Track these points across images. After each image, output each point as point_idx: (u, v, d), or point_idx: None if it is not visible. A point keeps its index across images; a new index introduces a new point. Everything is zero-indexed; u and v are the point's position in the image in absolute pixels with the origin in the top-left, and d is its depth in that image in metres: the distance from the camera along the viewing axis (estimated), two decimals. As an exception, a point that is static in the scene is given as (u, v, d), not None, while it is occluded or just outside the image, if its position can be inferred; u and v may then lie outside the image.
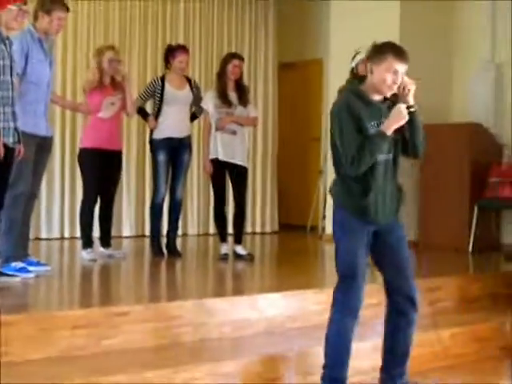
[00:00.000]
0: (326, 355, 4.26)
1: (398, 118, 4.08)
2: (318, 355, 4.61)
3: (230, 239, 7.52)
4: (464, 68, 9.22)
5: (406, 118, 4.09)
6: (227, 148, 7.27)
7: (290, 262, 7.64)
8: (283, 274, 6.76)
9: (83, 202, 7.24)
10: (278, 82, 10.97)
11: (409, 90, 4.14)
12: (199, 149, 9.07)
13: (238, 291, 5.95)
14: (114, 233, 7.71)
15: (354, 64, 7.15)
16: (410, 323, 4.33)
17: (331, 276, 6.82)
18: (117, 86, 7.20)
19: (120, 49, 8.34)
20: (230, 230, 7.61)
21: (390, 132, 4.07)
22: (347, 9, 9.28)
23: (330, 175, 9.45)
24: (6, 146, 5.18)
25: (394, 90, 4.13)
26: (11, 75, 5.27)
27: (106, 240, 7.38)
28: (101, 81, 7.12)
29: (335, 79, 7.82)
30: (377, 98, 4.16)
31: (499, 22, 8.99)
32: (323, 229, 9.82)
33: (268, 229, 10.72)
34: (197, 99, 7.56)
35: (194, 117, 7.76)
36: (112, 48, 7.38)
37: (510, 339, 5.80)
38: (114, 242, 7.54)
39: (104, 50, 7.25)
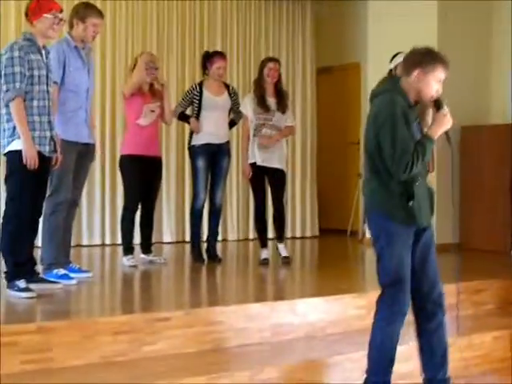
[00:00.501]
0: (370, 360, 4.23)
1: (444, 123, 4.10)
2: (358, 360, 4.61)
3: (271, 244, 7.52)
4: (503, 68, 9.12)
5: (451, 122, 4.10)
6: (265, 153, 7.27)
7: (330, 267, 7.61)
8: (324, 279, 6.74)
9: (124, 209, 7.28)
10: (316, 87, 10.95)
11: None
12: (238, 154, 9.08)
13: (279, 296, 5.94)
14: (154, 239, 7.73)
15: (392, 65, 7.12)
16: (440, 325, 4.30)
17: (372, 280, 6.80)
18: (155, 93, 7.22)
19: (158, 56, 8.42)
20: (270, 234, 7.60)
21: (436, 137, 4.09)
22: (384, 12, 9.25)
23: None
24: (42, 154, 5.23)
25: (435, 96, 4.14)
26: (47, 84, 5.32)
27: (146, 246, 7.42)
28: (140, 87, 7.15)
29: (373, 83, 7.69)
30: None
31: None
32: (363, 233, 9.77)
33: (308, 233, 10.68)
34: (235, 105, 7.57)
35: (232, 123, 7.76)
36: (149, 53, 7.44)
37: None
38: (154, 248, 7.59)
39: (141, 53, 7.32)
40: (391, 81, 4.31)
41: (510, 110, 8.94)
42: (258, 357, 4.72)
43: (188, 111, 7.62)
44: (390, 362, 4.20)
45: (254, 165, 7.28)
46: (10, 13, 8.48)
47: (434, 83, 4.11)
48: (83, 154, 6.02)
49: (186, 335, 4.72)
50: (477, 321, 5.88)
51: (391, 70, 7.17)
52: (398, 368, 4.61)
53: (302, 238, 10.53)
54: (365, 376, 4.25)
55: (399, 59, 7.10)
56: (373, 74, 8.93)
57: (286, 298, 5.69)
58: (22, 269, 5.27)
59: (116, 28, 9.30)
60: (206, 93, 7.42)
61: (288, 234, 10.16)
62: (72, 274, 5.97)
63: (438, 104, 4.15)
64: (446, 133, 4.17)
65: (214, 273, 7.19)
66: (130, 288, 6.38)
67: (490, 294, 6.26)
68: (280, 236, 7.51)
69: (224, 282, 6.87)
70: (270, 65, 7.38)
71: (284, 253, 7.43)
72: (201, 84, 7.52)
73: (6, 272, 5.27)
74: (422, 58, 4.13)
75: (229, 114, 7.60)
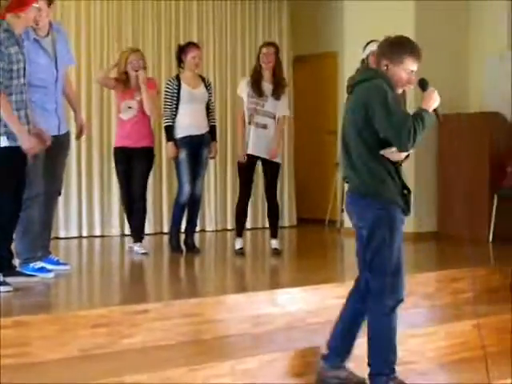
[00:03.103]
0: (376, 351, 4.25)
1: (433, 98, 4.13)
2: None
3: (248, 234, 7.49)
4: (481, 57, 9.12)
5: (439, 98, 4.14)
6: (258, 142, 7.23)
7: (309, 257, 7.61)
8: (302, 269, 6.73)
9: (122, 200, 7.70)
10: (293, 76, 10.93)
11: None
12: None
13: (258, 287, 5.92)
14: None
15: (364, 55, 7.11)
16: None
17: (351, 270, 6.80)
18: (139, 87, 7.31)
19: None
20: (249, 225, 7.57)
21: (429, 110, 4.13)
22: (361, 7, 9.22)
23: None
24: (20, 149, 5.17)
25: (407, 87, 4.23)
26: (24, 77, 5.23)
27: (132, 235, 7.53)
28: (124, 83, 7.31)
29: (350, 72, 7.71)
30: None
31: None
32: (342, 222, 9.78)
33: (286, 223, 10.66)
34: (210, 97, 7.56)
35: (212, 131, 7.61)
36: (134, 50, 7.56)
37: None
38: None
39: (127, 53, 7.42)
40: (371, 70, 4.37)
41: (488, 97, 8.96)
42: (239, 348, 4.70)
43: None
44: (395, 349, 4.24)
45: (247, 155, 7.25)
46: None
47: (403, 74, 4.15)
48: (55, 144, 5.84)
49: (165, 327, 4.70)
50: (455, 309, 5.90)
51: (363, 59, 7.16)
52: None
53: (280, 227, 10.48)
54: (369, 369, 4.29)
55: (371, 47, 7.11)
56: (350, 63, 8.89)
57: (265, 288, 5.67)
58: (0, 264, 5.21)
59: (91, 25, 9.24)
60: (184, 85, 7.37)
61: (265, 223, 10.16)
62: (50, 266, 5.92)
63: (422, 85, 4.21)
64: (435, 110, 4.18)
65: (193, 264, 7.16)
66: (108, 280, 6.32)
67: (468, 282, 6.27)
68: (274, 230, 7.48)
69: (202, 273, 6.86)
70: (264, 50, 7.34)
71: (276, 245, 7.44)
72: (178, 77, 7.47)
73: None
74: (390, 50, 4.18)
75: (206, 106, 7.52)
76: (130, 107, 7.28)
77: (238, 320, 4.99)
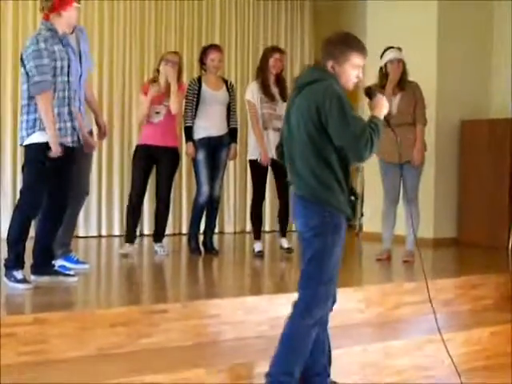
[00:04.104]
0: (288, 358, 4.07)
1: (382, 106, 3.99)
2: (356, 354, 4.60)
3: (267, 237, 7.50)
4: (504, 62, 9.08)
5: (387, 106, 4.02)
6: (273, 145, 7.22)
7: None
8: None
9: (128, 199, 7.47)
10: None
11: None
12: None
13: (276, 289, 5.93)
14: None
15: (382, 63, 7.05)
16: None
17: (370, 273, 6.81)
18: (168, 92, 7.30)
19: (156, 52, 8.77)
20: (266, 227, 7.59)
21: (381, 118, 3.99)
22: (384, 8, 9.21)
23: (366, 172, 9.39)
24: (64, 145, 5.20)
25: (355, 83, 4.07)
26: (68, 75, 5.27)
27: (154, 235, 7.55)
28: (153, 84, 7.33)
29: (371, 80, 7.73)
30: None
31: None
32: (360, 226, 9.75)
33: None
34: (232, 100, 7.56)
35: (233, 132, 7.64)
36: (169, 53, 7.56)
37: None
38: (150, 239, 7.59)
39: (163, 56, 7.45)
40: (319, 69, 4.07)
41: (510, 104, 8.92)
42: (256, 350, 4.69)
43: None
44: (302, 365, 4.08)
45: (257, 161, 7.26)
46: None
47: (351, 71, 4.00)
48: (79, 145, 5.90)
49: (183, 328, 4.71)
50: (474, 316, 5.88)
51: (381, 67, 7.13)
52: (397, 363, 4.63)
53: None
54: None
55: (389, 55, 7.07)
56: (371, 71, 8.88)
57: (283, 290, 5.67)
58: (23, 260, 5.23)
59: (114, 22, 9.28)
60: (204, 87, 7.38)
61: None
62: (69, 265, 5.95)
63: (369, 93, 4.11)
64: (386, 117, 4.04)
65: (211, 265, 7.17)
66: (127, 280, 6.34)
67: (488, 288, 6.25)
68: (283, 229, 7.52)
69: (221, 274, 6.85)
70: (276, 55, 7.28)
71: (287, 244, 7.46)
72: (199, 79, 7.48)
73: (6, 260, 5.22)
74: (334, 49, 4.00)
75: (227, 107, 7.53)
76: (157, 112, 7.26)
77: (256, 322, 4.99)
